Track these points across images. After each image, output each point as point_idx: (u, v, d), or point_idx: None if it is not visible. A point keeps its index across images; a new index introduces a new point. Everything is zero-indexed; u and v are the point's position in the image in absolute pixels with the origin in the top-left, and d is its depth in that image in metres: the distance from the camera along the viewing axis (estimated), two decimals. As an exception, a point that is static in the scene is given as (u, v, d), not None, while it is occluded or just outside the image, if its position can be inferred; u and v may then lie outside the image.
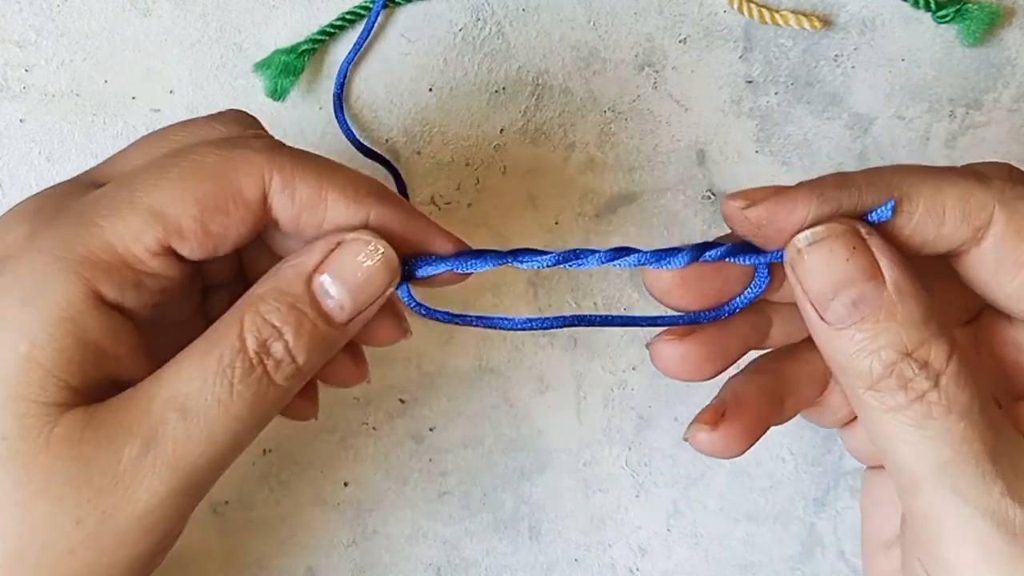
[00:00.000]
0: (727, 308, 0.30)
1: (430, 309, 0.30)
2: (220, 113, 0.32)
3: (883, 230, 0.27)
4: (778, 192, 0.27)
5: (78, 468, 0.26)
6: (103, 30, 0.43)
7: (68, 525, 0.26)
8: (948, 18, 0.43)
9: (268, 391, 0.27)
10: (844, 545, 0.44)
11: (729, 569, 0.44)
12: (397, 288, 0.29)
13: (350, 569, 0.44)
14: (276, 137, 0.43)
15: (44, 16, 0.43)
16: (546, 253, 0.29)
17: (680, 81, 0.44)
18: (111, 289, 0.27)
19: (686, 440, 0.30)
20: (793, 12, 0.43)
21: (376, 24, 0.43)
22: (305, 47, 0.43)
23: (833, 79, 0.44)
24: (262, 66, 0.42)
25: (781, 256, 0.28)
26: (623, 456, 0.44)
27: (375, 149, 0.43)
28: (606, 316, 0.31)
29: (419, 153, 0.44)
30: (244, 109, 0.43)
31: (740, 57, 0.44)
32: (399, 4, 0.43)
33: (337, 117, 0.43)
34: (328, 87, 0.43)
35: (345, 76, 0.43)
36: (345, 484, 0.44)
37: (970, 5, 0.43)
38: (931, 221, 0.27)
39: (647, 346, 0.30)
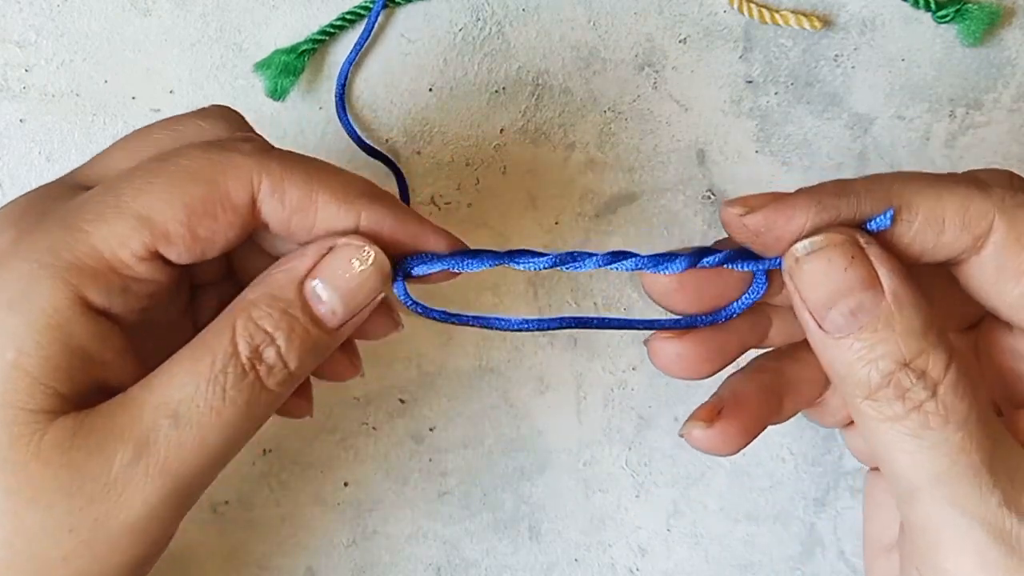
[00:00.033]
0: (724, 313, 0.30)
1: (427, 308, 0.30)
2: (205, 110, 0.32)
3: (882, 238, 0.27)
4: (776, 200, 0.27)
5: (69, 476, 0.25)
6: (103, 30, 0.43)
7: (60, 533, 0.26)
8: (948, 18, 0.43)
9: (260, 396, 0.27)
10: (844, 545, 0.44)
11: (729, 569, 0.44)
12: (394, 285, 0.29)
13: (350, 569, 0.44)
14: (275, 136, 0.43)
15: (44, 16, 0.43)
16: (543, 255, 0.29)
17: (680, 81, 0.44)
18: (98, 295, 0.26)
19: (681, 436, 0.30)
20: (793, 12, 0.43)
21: (376, 24, 0.43)
22: (305, 47, 0.43)
23: (833, 79, 0.44)
24: (262, 66, 0.42)
25: (779, 263, 0.28)
26: (623, 456, 0.44)
27: (377, 149, 0.43)
28: (603, 318, 0.31)
29: (419, 153, 0.44)
30: (242, 108, 0.43)
31: (740, 57, 0.44)
32: (399, 4, 0.43)
33: (340, 117, 0.43)
34: (328, 87, 0.43)
35: (346, 76, 0.43)
36: (345, 484, 0.44)
37: (970, 5, 0.43)
38: (931, 230, 0.27)
39: (645, 343, 0.30)
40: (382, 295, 0.29)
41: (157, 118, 0.42)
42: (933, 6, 0.43)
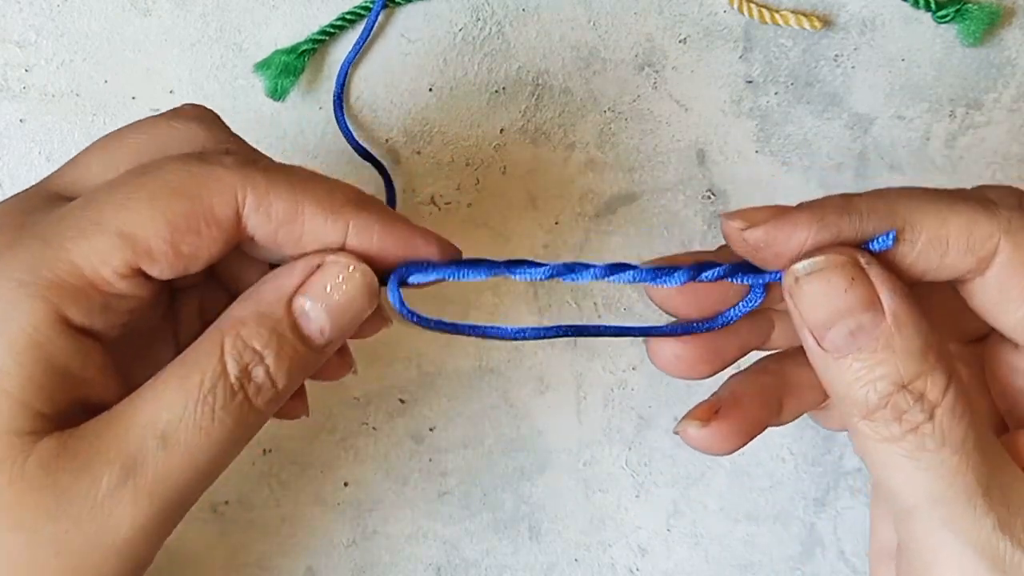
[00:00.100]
0: (720, 320, 0.29)
1: (422, 317, 0.29)
2: (178, 110, 0.31)
3: (885, 257, 0.27)
4: (778, 215, 0.27)
5: (55, 498, 0.25)
6: (103, 30, 0.43)
7: (46, 557, 0.25)
8: (948, 18, 0.43)
9: (249, 416, 0.27)
10: (844, 545, 0.44)
11: (729, 569, 0.44)
12: (389, 294, 0.29)
13: (350, 569, 0.44)
14: (275, 136, 0.43)
15: (44, 16, 0.43)
16: (541, 265, 0.29)
17: (680, 81, 0.44)
18: (78, 313, 0.26)
19: (676, 433, 0.30)
20: (793, 12, 0.43)
21: (376, 24, 0.43)
22: (305, 47, 0.43)
23: (833, 79, 0.44)
24: (262, 66, 0.42)
25: (780, 277, 0.28)
26: (623, 456, 0.44)
27: (372, 151, 0.43)
28: (600, 326, 0.30)
29: (419, 153, 0.44)
30: (242, 108, 0.43)
31: (740, 57, 0.44)
32: (399, 4, 0.43)
33: (337, 118, 0.43)
34: (328, 87, 0.43)
35: (345, 76, 0.43)
36: (345, 484, 0.44)
37: (970, 5, 0.43)
38: (934, 251, 0.27)
39: (644, 343, 0.30)
40: (370, 311, 0.29)
41: (157, 118, 0.43)
42: (933, 6, 0.43)
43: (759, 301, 0.29)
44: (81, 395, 0.27)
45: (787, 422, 0.32)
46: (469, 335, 0.30)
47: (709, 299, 0.29)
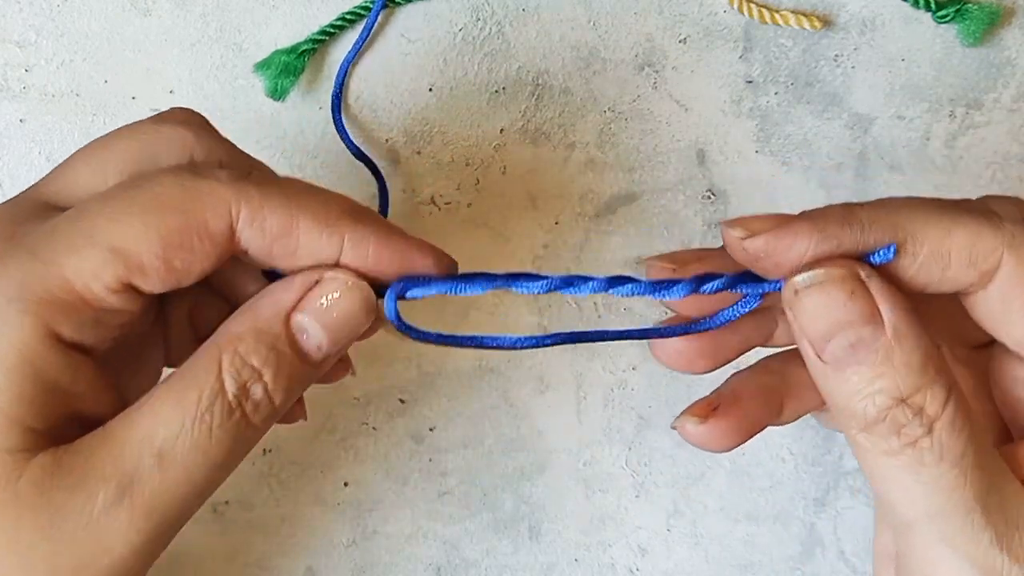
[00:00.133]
0: (716, 320, 0.29)
1: (420, 332, 0.29)
2: (166, 114, 0.31)
3: (886, 270, 0.27)
4: (778, 226, 0.27)
5: (49, 516, 0.25)
6: (103, 30, 0.43)
7: (41, 575, 0.25)
8: (948, 18, 0.43)
9: (245, 432, 0.27)
10: (844, 545, 0.44)
11: (729, 569, 0.44)
12: (386, 309, 0.29)
13: (350, 569, 0.44)
14: (275, 136, 0.43)
15: (44, 16, 0.43)
16: (541, 278, 0.28)
17: (680, 81, 0.44)
18: (69, 328, 0.26)
19: (673, 428, 0.30)
20: (793, 12, 0.43)
21: (376, 24, 0.43)
22: (305, 47, 0.43)
23: (833, 79, 0.44)
24: (262, 66, 0.42)
25: (780, 287, 0.27)
26: (623, 456, 0.44)
27: (372, 151, 0.43)
28: (598, 332, 0.30)
29: (419, 153, 0.44)
30: (242, 108, 0.43)
31: (740, 57, 0.44)
32: (399, 4, 0.43)
33: (334, 118, 0.43)
34: (328, 87, 0.43)
35: (345, 76, 0.43)
36: (345, 484, 0.44)
37: (970, 5, 0.43)
38: (936, 264, 0.27)
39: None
40: (366, 327, 0.28)
41: (157, 118, 0.43)
42: (933, 6, 0.43)
43: (756, 303, 0.29)
44: (73, 409, 0.26)
45: (788, 422, 0.32)
46: (467, 346, 0.29)
47: (711, 298, 0.29)
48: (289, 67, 0.42)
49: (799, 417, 0.32)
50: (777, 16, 0.43)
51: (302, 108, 0.43)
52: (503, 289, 0.29)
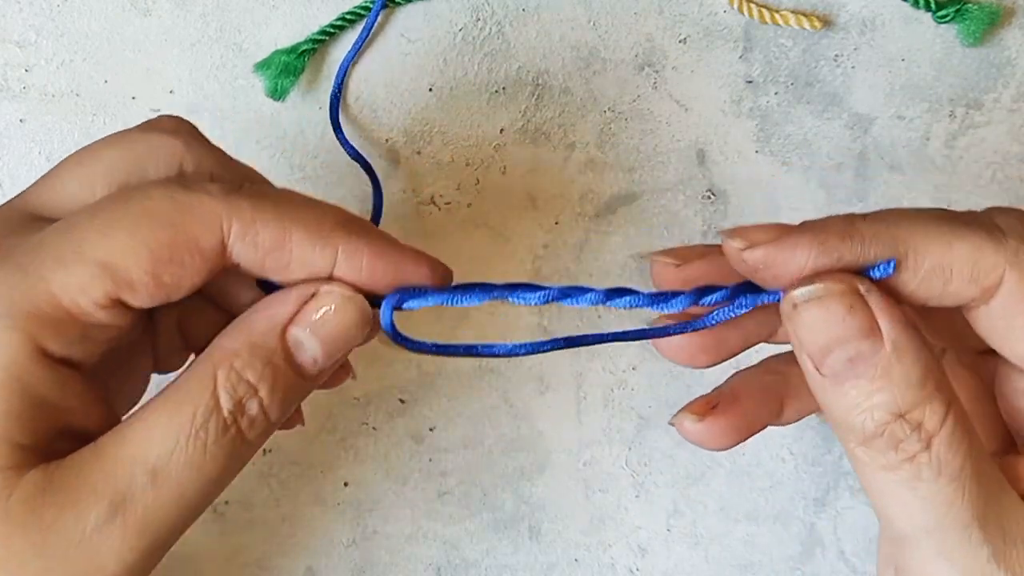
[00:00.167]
0: (711, 319, 0.29)
1: (416, 342, 0.29)
2: (154, 123, 0.31)
3: (886, 283, 0.26)
4: (778, 238, 0.27)
5: (41, 534, 0.24)
6: (103, 30, 0.43)
7: None
8: (948, 18, 0.43)
9: (240, 448, 0.26)
10: (844, 545, 0.44)
11: (729, 569, 0.44)
12: (382, 320, 0.28)
13: (350, 569, 0.44)
14: (275, 136, 0.43)
15: (44, 16, 0.43)
16: (539, 289, 0.28)
17: (680, 81, 0.44)
18: (56, 343, 0.25)
19: (671, 424, 0.30)
20: (793, 12, 0.43)
21: (376, 24, 0.43)
22: (305, 47, 0.43)
23: (833, 79, 0.44)
24: (262, 66, 0.42)
25: (780, 298, 0.27)
26: (623, 456, 0.44)
27: (372, 151, 0.43)
28: (595, 335, 0.30)
29: (419, 153, 0.44)
30: (242, 108, 0.43)
31: (740, 57, 0.44)
32: (399, 4, 0.43)
33: (332, 118, 0.43)
34: (328, 87, 0.43)
35: (344, 76, 0.43)
36: (345, 484, 0.44)
37: (970, 5, 0.43)
38: (937, 279, 0.26)
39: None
40: (362, 340, 0.28)
41: (157, 118, 0.43)
42: (933, 6, 0.43)
43: (753, 305, 0.29)
44: (63, 424, 0.26)
45: (790, 423, 0.32)
46: (464, 356, 0.29)
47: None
48: (289, 67, 0.42)
49: (801, 418, 0.32)
50: (777, 16, 0.43)
51: (302, 108, 0.43)
52: (501, 300, 0.29)
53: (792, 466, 0.44)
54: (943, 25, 0.44)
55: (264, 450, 0.43)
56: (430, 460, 0.44)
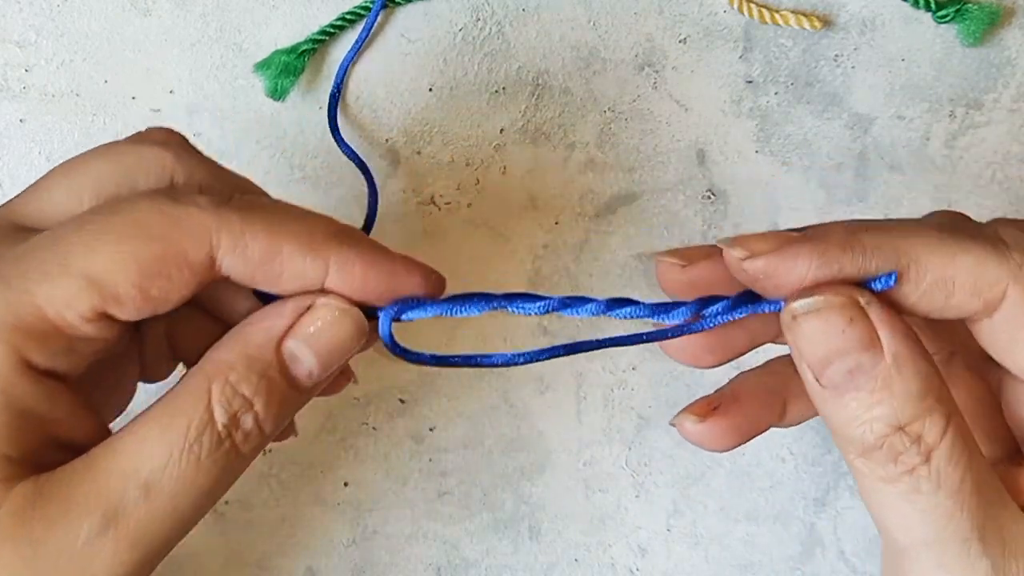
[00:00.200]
0: (707, 322, 0.28)
1: (415, 353, 0.29)
2: (144, 134, 0.30)
3: (888, 294, 0.26)
4: (779, 248, 0.26)
5: (31, 548, 0.24)
6: (103, 30, 0.43)
7: None
8: (948, 18, 0.43)
9: (234, 462, 0.26)
10: (844, 545, 0.44)
11: (729, 569, 0.44)
12: (380, 331, 0.28)
13: (350, 569, 0.44)
14: (275, 136, 0.43)
15: (44, 16, 0.43)
16: (539, 299, 0.28)
17: (680, 81, 0.44)
18: (42, 356, 0.25)
19: (672, 424, 0.30)
20: (793, 12, 0.43)
21: (376, 24, 0.43)
22: (305, 47, 0.43)
23: (833, 79, 0.44)
24: (262, 66, 0.42)
25: (781, 307, 0.27)
26: (623, 456, 0.44)
27: (372, 151, 0.43)
28: (593, 341, 0.30)
29: (419, 153, 0.44)
30: (242, 108, 0.43)
31: (740, 57, 0.44)
32: (399, 4, 0.43)
33: (329, 116, 0.43)
34: (328, 87, 0.43)
35: (343, 76, 0.43)
36: (345, 484, 0.44)
37: (970, 5, 0.43)
38: (939, 292, 0.26)
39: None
40: (358, 352, 0.28)
41: (157, 118, 0.43)
42: (933, 6, 0.43)
43: (746, 314, 0.29)
44: (52, 435, 0.26)
45: (793, 424, 0.32)
46: (462, 367, 0.29)
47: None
48: (289, 67, 0.42)
49: (804, 420, 0.32)
50: (777, 16, 0.43)
51: (302, 108, 0.43)
52: (500, 310, 0.28)
53: (792, 466, 0.44)
54: (943, 25, 0.44)
55: (264, 450, 0.43)
56: (430, 460, 0.44)
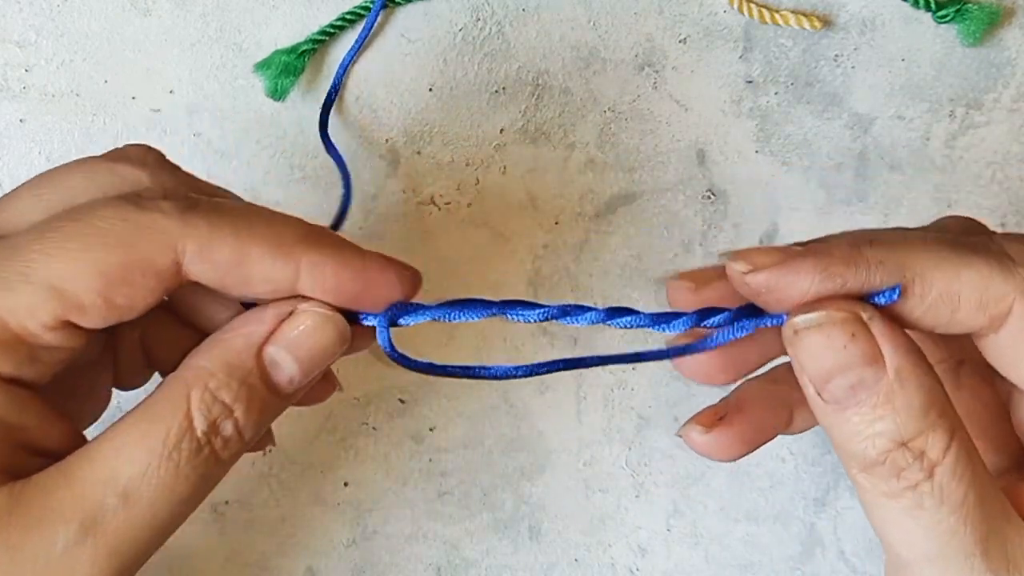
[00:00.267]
0: (711, 342, 0.28)
1: (412, 360, 0.29)
2: (121, 151, 0.30)
3: (892, 309, 0.26)
4: (782, 262, 0.26)
5: (8, 555, 0.24)
6: (103, 30, 0.43)
7: None
8: (948, 18, 0.43)
9: (213, 469, 0.26)
10: (844, 545, 0.44)
11: (729, 569, 0.44)
12: (378, 336, 0.28)
13: (350, 569, 0.44)
14: (275, 136, 0.43)
15: (44, 16, 0.43)
16: (538, 307, 0.28)
17: (680, 81, 0.44)
18: (6, 365, 0.25)
19: (678, 436, 0.30)
20: (793, 12, 0.43)
21: (376, 24, 0.43)
22: (305, 47, 0.43)
23: (833, 79, 0.44)
24: (262, 66, 0.42)
25: (783, 321, 0.27)
26: (623, 456, 0.44)
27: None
28: (592, 357, 0.29)
29: (419, 153, 0.44)
30: (242, 108, 0.43)
31: (740, 57, 0.44)
32: (399, 4, 0.43)
33: (321, 114, 0.42)
34: (328, 87, 0.43)
35: (343, 75, 0.43)
36: (345, 484, 0.44)
37: (970, 5, 0.43)
38: (944, 307, 0.26)
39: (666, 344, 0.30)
40: (339, 357, 0.28)
41: (157, 118, 0.43)
42: (933, 6, 0.43)
43: (750, 332, 0.29)
44: (23, 442, 0.26)
45: (799, 431, 0.31)
46: (460, 377, 0.29)
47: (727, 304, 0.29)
48: (289, 67, 0.42)
49: (811, 427, 0.31)
50: (777, 16, 0.43)
51: (302, 108, 0.43)
52: (498, 317, 0.28)
53: (792, 466, 0.44)
54: (943, 25, 0.44)
55: (264, 450, 0.43)
56: (430, 460, 0.44)
